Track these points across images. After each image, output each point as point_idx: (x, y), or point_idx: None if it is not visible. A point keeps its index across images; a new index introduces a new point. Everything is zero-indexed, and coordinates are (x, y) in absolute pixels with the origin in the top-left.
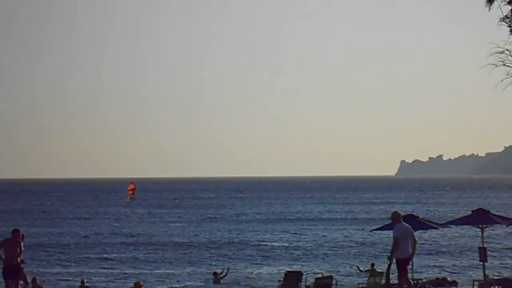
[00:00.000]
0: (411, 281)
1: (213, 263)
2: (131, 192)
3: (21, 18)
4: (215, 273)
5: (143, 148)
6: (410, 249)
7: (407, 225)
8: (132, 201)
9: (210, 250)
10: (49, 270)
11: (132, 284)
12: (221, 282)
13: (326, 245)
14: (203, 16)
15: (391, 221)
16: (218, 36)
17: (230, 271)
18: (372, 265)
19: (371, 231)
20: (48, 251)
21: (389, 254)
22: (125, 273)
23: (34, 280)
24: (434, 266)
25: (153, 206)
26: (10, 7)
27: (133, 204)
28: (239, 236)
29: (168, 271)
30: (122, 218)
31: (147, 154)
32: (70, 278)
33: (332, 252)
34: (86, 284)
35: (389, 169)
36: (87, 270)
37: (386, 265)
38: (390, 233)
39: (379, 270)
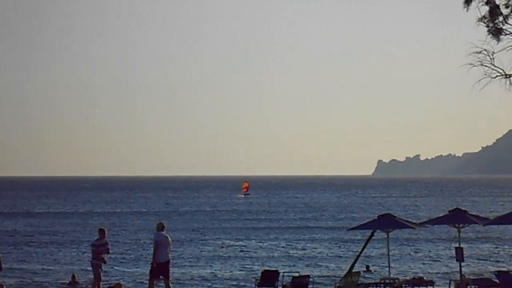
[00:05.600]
0: (170, 284)
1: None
2: (245, 190)
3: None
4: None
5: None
6: (169, 255)
7: (166, 234)
8: (247, 197)
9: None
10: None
11: (113, 284)
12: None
13: (302, 245)
14: (196, 13)
15: (156, 230)
16: (213, 37)
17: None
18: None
19: (348, 230)
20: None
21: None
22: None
23: (73, 277)
24: (410, 265)
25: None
26: (6, 4)
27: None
28: (213, 236)
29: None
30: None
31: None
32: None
33: (309, 251)
34: (76, 280)
35: (366, 169)
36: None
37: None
38: (367, 232)
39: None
